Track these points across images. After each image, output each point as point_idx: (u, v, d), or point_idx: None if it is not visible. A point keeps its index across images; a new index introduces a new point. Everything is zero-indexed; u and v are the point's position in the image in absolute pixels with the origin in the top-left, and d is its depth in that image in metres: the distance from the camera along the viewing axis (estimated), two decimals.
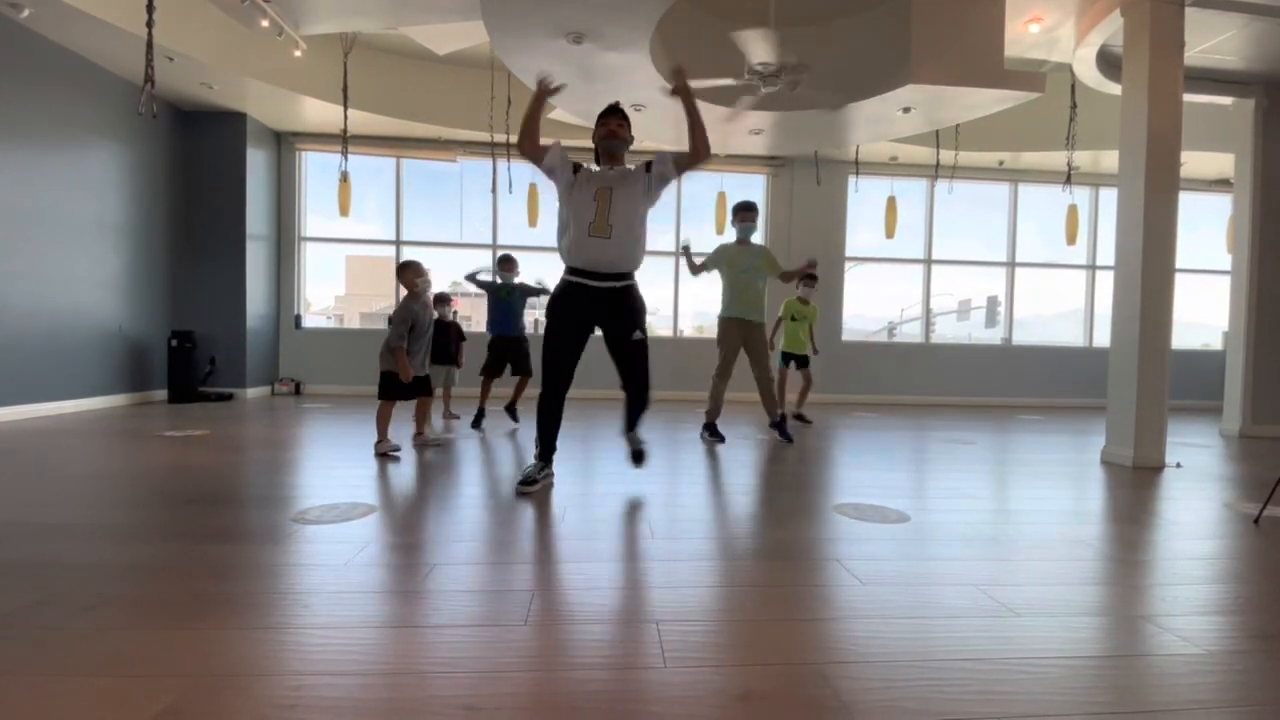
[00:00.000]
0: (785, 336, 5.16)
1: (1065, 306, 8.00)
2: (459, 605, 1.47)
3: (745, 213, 4.13)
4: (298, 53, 4.72)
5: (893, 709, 1.09)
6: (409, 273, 3.45)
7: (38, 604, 1.43)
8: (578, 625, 1.38)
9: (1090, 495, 2.83)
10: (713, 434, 4.09)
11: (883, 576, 1.72)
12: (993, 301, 8.18)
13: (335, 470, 2.95)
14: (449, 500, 2.45)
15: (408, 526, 2.09)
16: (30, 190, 4.52)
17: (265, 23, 3.99)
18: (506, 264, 4.58)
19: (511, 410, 4.56)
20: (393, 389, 3.39)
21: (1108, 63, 4.47)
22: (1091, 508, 2.59)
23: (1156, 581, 1.75)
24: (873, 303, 7.84)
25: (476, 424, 4.41)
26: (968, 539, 2.09)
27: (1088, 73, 4.61)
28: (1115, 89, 4.59)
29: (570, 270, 2.64)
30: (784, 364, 5.20)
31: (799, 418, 5.09)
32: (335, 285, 9.54)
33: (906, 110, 4.43)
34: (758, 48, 3.44)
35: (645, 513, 2.32)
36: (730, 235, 4.21)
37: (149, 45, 3.59)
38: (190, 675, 1.14)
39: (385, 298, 7.51)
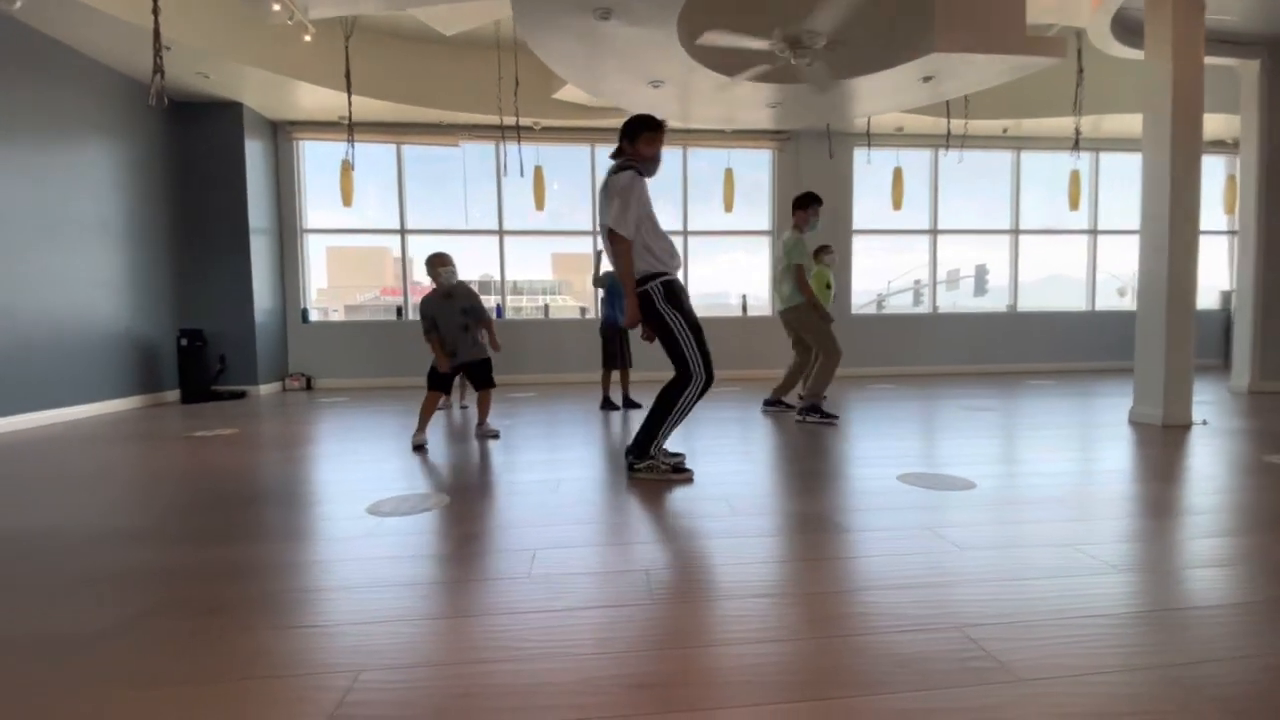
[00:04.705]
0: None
1: (1066, 271, 8.10)
2: (574, 587, 1.49)
3: (818, 205, 4.01)
4: (307, 38, 4.57)
5: (1044, 664, 1.13)
6: (433, 264, 3.47)
7: (159, 608, 1.42)
8: (706, 601, 1.41)
9: (1132, 455, 2.90)
10: (822, 415, 3.91)
11: (978, 541, 1.77)
12: (981, 270, 8.24)
13: (389, 463, 2.94)
14: (521, 486, 2.45)
15: (493, 514, 2.10)
16: (26, 190, 4.36)
17: (277, 6, 3.85)
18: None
19: (629, 400, 4.75)
20: (434, 379, 3.44)
21: (1123, 27, 4.47)
22: (1139, 467, 2.66)
23: (1233, 531, 1.81)
24: (876, 275, 7.86)
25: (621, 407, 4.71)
26: (1038, 502, 2.15)
27: (1102, 36, 4.62)
28: (1130, 53, 4.61)
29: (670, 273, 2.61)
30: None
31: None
32: (330, 277, 9.32)
33: (927, 79, 4.42)
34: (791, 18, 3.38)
35: (724, 490, 2.35)
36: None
37: (156, 34, 3.47)
38: (350, 670, 1.15)
39: (373, 290, 7.38)
